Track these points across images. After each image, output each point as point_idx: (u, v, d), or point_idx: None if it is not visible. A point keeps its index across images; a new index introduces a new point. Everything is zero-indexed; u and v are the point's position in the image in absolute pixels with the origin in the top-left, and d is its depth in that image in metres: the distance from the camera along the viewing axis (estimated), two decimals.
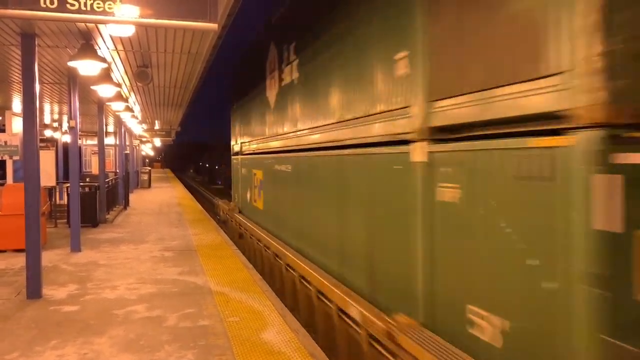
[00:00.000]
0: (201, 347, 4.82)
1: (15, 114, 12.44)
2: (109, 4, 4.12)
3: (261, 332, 5.21)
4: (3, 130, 12.50)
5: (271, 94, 9.61)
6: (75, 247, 9.64)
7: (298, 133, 7.80)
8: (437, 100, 3.90)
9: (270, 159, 9.86)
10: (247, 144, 12.65)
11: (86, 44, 7.04)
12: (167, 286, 7.05)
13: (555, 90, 2.74)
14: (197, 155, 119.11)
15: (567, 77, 2.68)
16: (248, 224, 11.19)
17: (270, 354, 4.66)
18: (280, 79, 8.88)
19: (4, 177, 12.46)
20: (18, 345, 4.89)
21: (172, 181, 38.79)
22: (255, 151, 11.55)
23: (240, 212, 13.32)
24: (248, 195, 12.32)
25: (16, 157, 11.75)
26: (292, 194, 8.27)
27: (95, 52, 7.11)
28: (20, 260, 8.13)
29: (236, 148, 14.38)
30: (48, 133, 22.00)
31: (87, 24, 6.35)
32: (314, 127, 6.98)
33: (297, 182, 7.99)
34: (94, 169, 21.64)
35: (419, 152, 4.12)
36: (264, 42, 10.50)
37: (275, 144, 9.41)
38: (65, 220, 12.71)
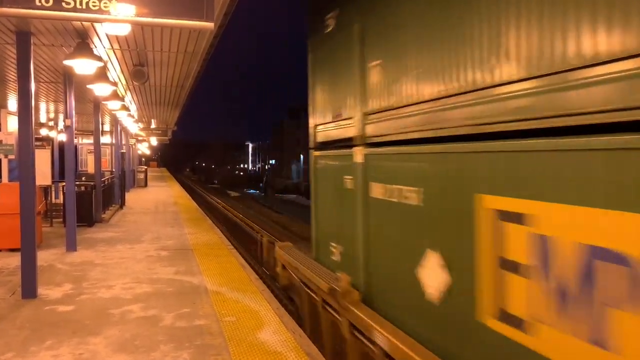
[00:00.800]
0: (197, 346, 4.81)
1: (10, 113, 12.41)
2: (105, 3, 4.09)
3: (258, 332, 5.20)
4: None
5: None
6: (71, 247, 9.60)
7: None
8: None
9: None
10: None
11: (82, 43, 7.02)
12: (163, 286, 7.03)
13: None
14: (194, 155, 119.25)
15: None
16: None
17: (266, 353, 4.65)
18: None
19: None
20: (13, 345, 4.86)
21: (169, 180, 38.71)
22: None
23: (364, 301, 4.81)
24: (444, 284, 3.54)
25: (11, 156, 11.72)
26: None
27: (91, 50, 7.09)
28: (15, 260, 8.09)
29: (335, 130, 5.77)
30: (44, 132, 21.93)
31: (83, 23, 6.34)
32: None
33: None
34: (90, 168, 21.59)
35: None
36: None
37: None
38: (61, 220, 12.64)
